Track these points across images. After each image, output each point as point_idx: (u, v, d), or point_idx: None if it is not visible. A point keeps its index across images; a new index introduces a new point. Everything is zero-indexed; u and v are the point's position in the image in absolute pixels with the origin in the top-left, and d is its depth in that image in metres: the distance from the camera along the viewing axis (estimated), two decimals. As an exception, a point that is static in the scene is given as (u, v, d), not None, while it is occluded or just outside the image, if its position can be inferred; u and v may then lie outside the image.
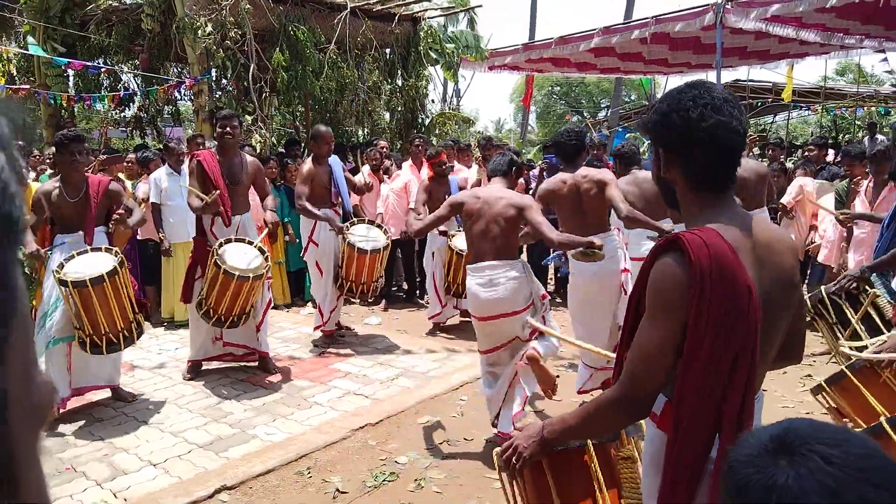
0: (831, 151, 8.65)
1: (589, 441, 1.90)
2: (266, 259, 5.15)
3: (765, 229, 1.67)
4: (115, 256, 4.57)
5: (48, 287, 4.65)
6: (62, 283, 4.32)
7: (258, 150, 8.37)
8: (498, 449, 1.92)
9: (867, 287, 3.60)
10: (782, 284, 1.65)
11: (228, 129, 5.18)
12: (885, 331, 3.19)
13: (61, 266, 4.41)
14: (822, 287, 3.87)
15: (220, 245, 4.99)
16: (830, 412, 2.91)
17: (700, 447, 1.57)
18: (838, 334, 3.47)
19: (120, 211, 4.68)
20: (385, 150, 8.52)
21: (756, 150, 15.08)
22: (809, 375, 5.26)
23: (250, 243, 5.19)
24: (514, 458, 1.82)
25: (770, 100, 17.20)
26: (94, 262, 4.51)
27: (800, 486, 0.87)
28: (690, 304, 1.52)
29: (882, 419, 2.28)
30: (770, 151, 8.84)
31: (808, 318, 3.48)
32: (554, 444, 1.81)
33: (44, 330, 4.56)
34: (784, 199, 7.03)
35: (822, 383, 2.86)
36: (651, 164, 1.81)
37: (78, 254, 4.55)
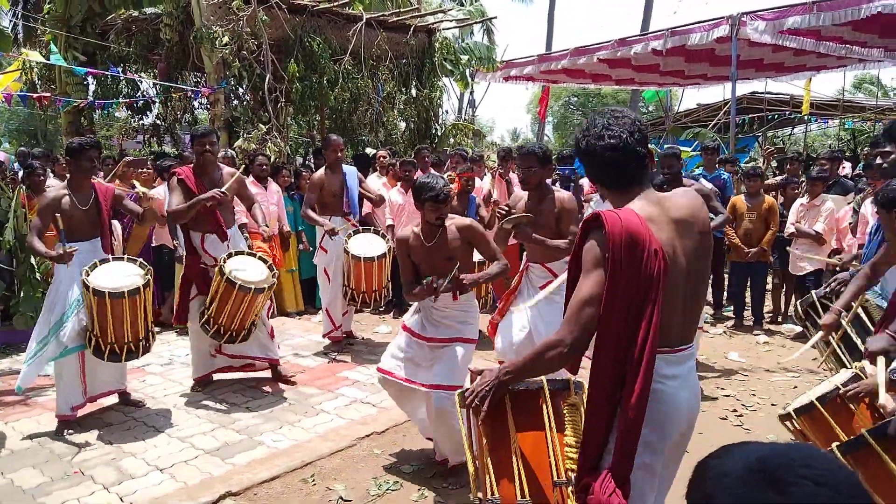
0: (847, 164, 8.55)
1: (545, 385, 2.33)
2: (270, 267, 5.13)
3: (681, 207, 2.12)
4: (143, 267, 4.62)
5: (58, 296, 4.63)
6: (96, 292, 4.30)
7: (272, 160, 8.45)
8: (459, 391, 2.35)
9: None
10: (698, 241, 2.10)
11: (207, 146, 5.14)
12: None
13: (86, 274, 4.40)
14: (813, 291, 3.87)
15: (225, 260, 4.93)
16: (795, 434, 2.91)
17: (612, 380, 1.99)
18: (829, 338, 3.45)
19: (142, 206, 4.76)
20: (386, 159, 8.54)
21: (774, 164, 14.99)
22: (796, 387, 5.37)
23: (251, 254, 5.18)
24: (476, 398, 2.23)
25: (787, 112, 17.08)
26: (124, 272, 4.54)
27: None
28: (606, 262, 1.98)
29: (863, 430, 2.29)
30: (789, 166, 8.72)
31: (800, 326, 3.48)
32: (509, 384, 2.24)
33: (56, 339, 4.56)
34: (818, 228, 6.77)
35: (791, 412, 2.84)
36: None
37: (101, 262, 4.56)
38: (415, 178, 8.09)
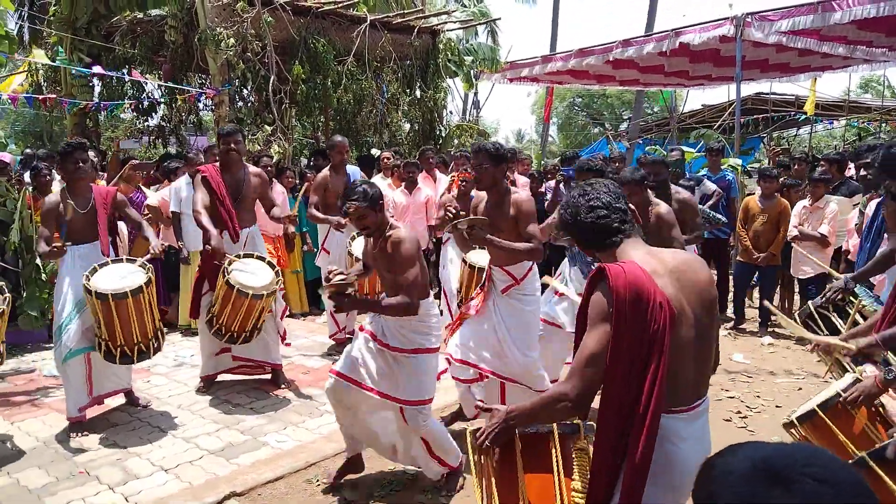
0: (853, 165, 8.47)
1: (555, 429, 2.30)
2: (277, 274, 5.12)
3: (675, 257, 2.16)
4: (144, 268, 4.63)
5: (61, 299, 4.63)
6: (99, 295, 4.31)
7: (276, 161, 8.46)
8: (471, 428, 2.36)
9: (852, 297, 3.62)
10: (700, 294, 2.09)
11: (232, 144, 5.18)
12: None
13: (87, 279, 4.41)
14: (810, 302, 3.89)
15: (230, 263, 4.93)
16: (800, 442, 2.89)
17: (616, 432, 1.98)
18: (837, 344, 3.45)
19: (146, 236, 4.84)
20: (390, 160, 8.55)
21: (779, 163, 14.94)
22: (800, 389, 5.37)
23: (261, 258, 5.18)
24: (485, 439, 2.22)
25: (792, 113, 17.04)
26: (125, 273, 4.55)
27: None
28: (611, 317, 1.96)
29: (863, 453, 2.30)
30: (796, 167, 8.59)
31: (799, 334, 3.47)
32: (515, 427, 2.24)
33: (60, 343, 4.58)
34: (823, 230, 6.65)
35: (794, 420, 2.83)
36: None
37: (100, 266, 4.57)
38: (417, 178, 8.13)
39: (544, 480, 2.27)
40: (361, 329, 3.79)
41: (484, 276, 4.52)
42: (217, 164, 5.35)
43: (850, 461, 2.37)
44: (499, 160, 4.05)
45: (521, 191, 4.24)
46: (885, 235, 4.32)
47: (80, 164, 4.66)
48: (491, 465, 2.30)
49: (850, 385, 2.72)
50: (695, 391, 2.10)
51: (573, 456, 2.30)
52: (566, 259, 5.11)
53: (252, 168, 5.47)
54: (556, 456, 2.28)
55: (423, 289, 3.64)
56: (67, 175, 4.72)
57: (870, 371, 2.72)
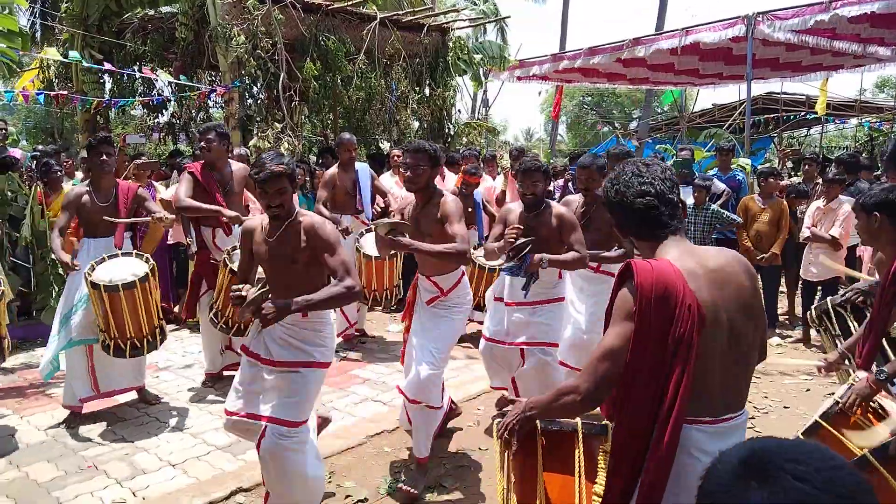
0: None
1: (580, 429, 2.21)
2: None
3: (718, 258, 2.00)
4: (147, 262, 4.66)
5: (72, 288, 4.74)
6: (94, 286, 4.38)
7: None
8: (497, 420, 2.25)
9: (872, 301, 3.58)
10: (743, 299, 1.95)
11: (203, 143, 5.18)
12: (885, 345, 3.15)
13: (92, 268, 4.48)
14: (829, 298, 3.85)
15: (229, 254, 4.94)
16: None
17: (638, 437, 1.87)
18: (839, 345, 3.45)
19: (155, 216, 4.80)
20: (400, 158, 8.54)
21: (790, 164, 14.85)
22: (808, 389, 5.36)
23: None
24: (505, 430, 2.15)
25: (803, 113, 16.95)
26: (126, 267, 4.58)
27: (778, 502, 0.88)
28: (635, 314, 1.87)
29: (866, 451, 2.29)
30: (806, 167, 8.49)
31: (814, 330, 3.47)
32: (535, 419, 2.15)
33: (65, 329, 4.66)
34: (834, 232, 6.46)
35: (799, 436, 2.80)
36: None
37: (109, 257, 4.63)
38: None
39: (565, 482, 2.19)
40: (245, 350, 3.42)
41: (494, 275, 4.45)
42: (202, 162, 5.35)
43: (852, 460, 2.37)
44: (436, 162, 3.92)
45: (447, 193, 3.99)
46: None
47: (105, 158, 4.73)
48: (509, 460, 2.21)
49: (846, 391, 2.74)
50: (723, 402, 1.93)
51: (599, 458, 2.21)
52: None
53: (236, 165, 5.42)
54: (579, 456, 2.19)
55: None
56: (93, 168, 4.84)
57: (861, 375, 2.77)
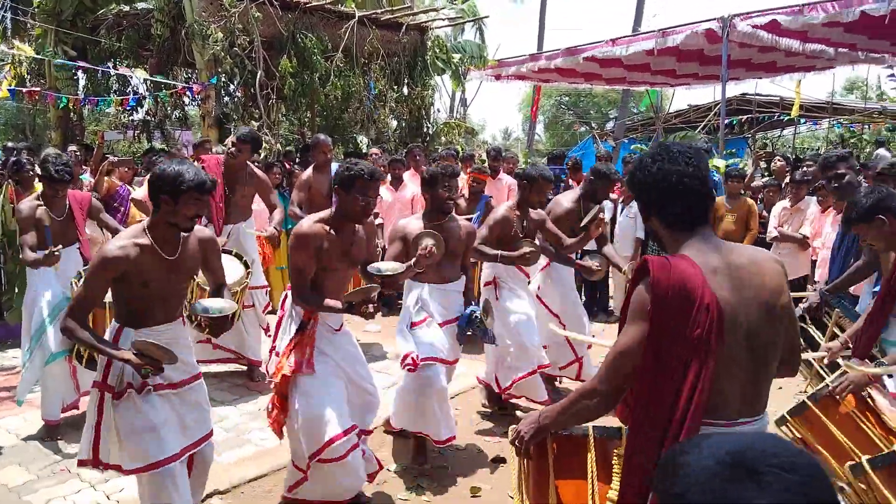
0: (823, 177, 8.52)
1: (591, 432, 2.13)
2: (246, 266, 5.08)
3: (743, 254, 1.90)
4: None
5: (38, 303, 4.50)
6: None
7: (262, 156, 8.43)
8: (512, 427, 2.21)
9: (828, 310, 3.61)
10: (765, 300, 1.84)
11: (234, 148, 5.24)
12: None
13: (80, 274, 4.30)
14: None
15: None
16: (796, 443, 2.92)
17: (653, 440, 1.80)
18: (810, 360, 3.45)
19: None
20: (377, 155, 8.50)
21: (763, 165, 15.03)
22: (781, 388, 5.37)
23: (238, 256, 5.11)
24: (515, 439, 2.13)
25: (777, 114, 17.18)
26: None
27: (778, 501, 0.88)
28: (650, 314, 1.79)
29: (864, 458, 2.38)
30: (777, 164, 8.62)
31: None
32: (549, 429, 2.09)
33: (39, 347, 4.47)
34: (805, 231, 6.53)
35: (786, 415, 2.86)
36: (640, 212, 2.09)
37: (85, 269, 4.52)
38: (403, 175, 8.10)
39: (579, 487, 2.13)
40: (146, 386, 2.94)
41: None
42: (222, 158, 5.41)
43: (849, 464, 2.44)
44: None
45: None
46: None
47: (59, 194, 4.51)
48: (524, 468, 2.19)
49: (838, 377, 2.80)
50: (738, 406, 1.84)
51: (613, 462, 2.15)
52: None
53: (257, 171, 5.53)
54: (591, 461, 2.15)
55: None
56: (46, 195, 4.56)
57: (855, 364, 2.82)
